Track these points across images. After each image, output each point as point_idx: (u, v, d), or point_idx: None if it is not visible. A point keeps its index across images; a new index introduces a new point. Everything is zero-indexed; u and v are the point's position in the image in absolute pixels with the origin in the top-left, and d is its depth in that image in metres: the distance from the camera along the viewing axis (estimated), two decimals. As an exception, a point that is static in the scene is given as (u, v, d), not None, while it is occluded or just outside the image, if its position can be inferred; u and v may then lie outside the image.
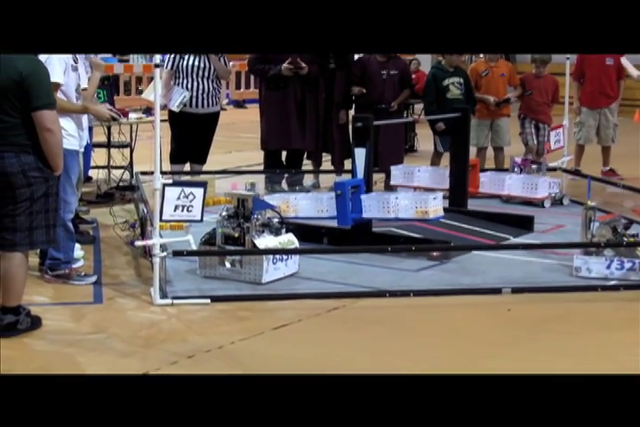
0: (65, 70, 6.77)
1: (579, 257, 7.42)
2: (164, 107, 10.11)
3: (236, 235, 7.17)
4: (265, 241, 7.17)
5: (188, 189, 6.65)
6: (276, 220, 7.43)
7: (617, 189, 10.08)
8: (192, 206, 6.66)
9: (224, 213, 7.27)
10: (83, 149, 7.21)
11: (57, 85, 6.56)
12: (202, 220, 6.81)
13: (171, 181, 6.72)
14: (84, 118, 7.23)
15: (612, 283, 7.23)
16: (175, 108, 10.16)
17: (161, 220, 6.65)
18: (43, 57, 6.31)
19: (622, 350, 5.80)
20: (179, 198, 6.60)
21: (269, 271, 7.08)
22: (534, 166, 10.46)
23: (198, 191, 6.68)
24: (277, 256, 7.13)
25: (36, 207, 5.79)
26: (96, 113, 7.33)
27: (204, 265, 7.23)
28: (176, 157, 10.53)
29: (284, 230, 7.42)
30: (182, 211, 6.64)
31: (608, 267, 7.33)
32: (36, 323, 5.98)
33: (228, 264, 7.13)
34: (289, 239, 7.36)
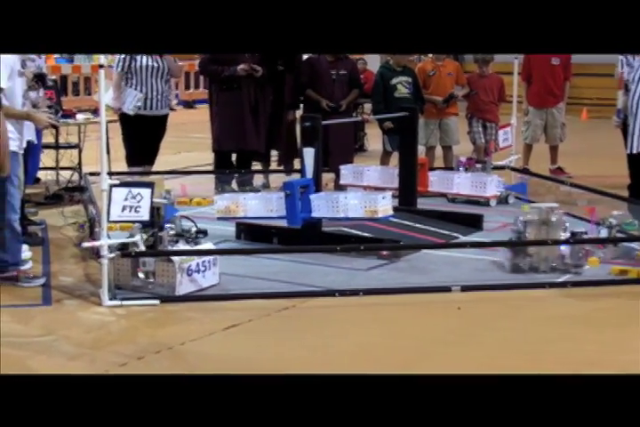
0: (10, 75, 6.70)
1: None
2: (118, 109, 10.00)
3: (150, 244, 6.90)
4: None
5: (135, 190, 6.61)
6: (193, 229, 7.19)
7: (566, 187, 10.19)
8: (140, 207, 6.61)
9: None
10: (22, 151, 7.14)
11: None
12: (150, 220, 6.77)
13: (118, 182, 6.69)
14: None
15: (561, 280, 7.30)
16: (130, 112, 10.01)
17: (108, 220, 6.61)
18: None
19: (571, 346, 5.85)
20: (126, 199, 6.57)
21: (184, 283, 6.82)
22: (479, 166, 10.54)
23: (145, 192, 6.64)
24: (193, 268, 6.86)
25: (-18, 209, 5.74)
26: (36, 120, 7.18)
27: (117, 275, 6.89)
28: (134, 160, 10.38)
29: (202, 240, 7.20)
30: (130, 211, 6.60)
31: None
32: (-17, 326, 5.94)
33: (141, 275, 6.91)
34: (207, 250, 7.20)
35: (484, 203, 10.19)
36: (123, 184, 6.72)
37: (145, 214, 6.67)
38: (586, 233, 7.79)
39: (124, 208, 6.58)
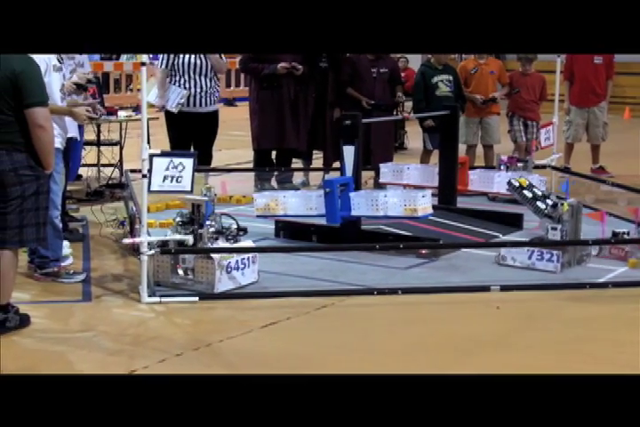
0: (46, 71, 6.73)
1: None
2: (162, 108, 9.96)
3: (191, 242, 6.84)
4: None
5: (177, 160, 6.50)
6: (234, 226, 7.15)
7: (608, 186, 10.10)
8: (181, 177, 6.51)
9: (178, 219, 7.01)
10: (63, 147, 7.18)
11: None
12: (192, 190, 6.70)
13: (159, 151, 6.58)
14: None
15: (601, 280, 7.26)
16: (174, 109, 9.96)
17: (149, 191, 6.54)
18: None
19: (611, 347, 5.82)
20: (167, 169, 6.46)
21: (223, 281, 6.81)
22: (520, 164, 10.46)
23: (188, 162, 6.53)
24: (232, 265, 6.87)
25: (26, 205, 5.78)
26: (75, 115, 7.15)
27: (157, 271, 6.93)
28: None
29: (242, 237, 7.15)
30: (171, 182, 6.49)
31: (530, 257, 7.55)
32: (24, 321, 5.98)
33: (181, 272, 6.88)
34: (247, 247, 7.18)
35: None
36: (164, 154, 6.60)
37: (187, 185, 6.56)
38: (628, 233, 7.73)
39: (165, 178, 6.47)
